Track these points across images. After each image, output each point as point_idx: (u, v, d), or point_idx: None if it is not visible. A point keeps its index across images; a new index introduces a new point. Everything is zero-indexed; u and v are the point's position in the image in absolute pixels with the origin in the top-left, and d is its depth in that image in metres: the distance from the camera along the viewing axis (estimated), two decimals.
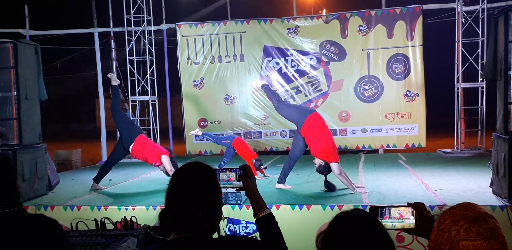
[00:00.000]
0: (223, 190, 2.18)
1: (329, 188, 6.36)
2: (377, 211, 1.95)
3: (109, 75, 7.55)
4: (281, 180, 6.72)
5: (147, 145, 6.93)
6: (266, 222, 2.13)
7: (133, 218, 3.25)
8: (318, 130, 6.32)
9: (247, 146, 7.91)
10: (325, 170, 6.30)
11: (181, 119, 11.43)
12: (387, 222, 1.90)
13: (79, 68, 16.89)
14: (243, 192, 2.20)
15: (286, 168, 6.74)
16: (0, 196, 2.02)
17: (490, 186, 5.88)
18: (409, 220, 1.93)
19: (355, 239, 1.59)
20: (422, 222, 1.90)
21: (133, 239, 2.87)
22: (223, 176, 2.18)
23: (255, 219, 2.15)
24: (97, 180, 7.10)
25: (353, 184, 6.33)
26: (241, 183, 2.16)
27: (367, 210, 1.95)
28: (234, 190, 2.21)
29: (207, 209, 1.80)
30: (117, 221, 3.28)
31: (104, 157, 11.77)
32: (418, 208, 1.93)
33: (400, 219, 1.94)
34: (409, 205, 1.95)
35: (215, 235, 1.98)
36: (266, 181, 7.29)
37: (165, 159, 6.80)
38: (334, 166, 6.17)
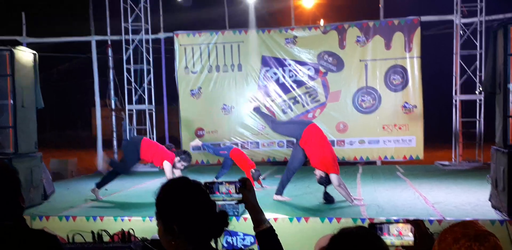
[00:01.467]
0: (221, 202, 2.18)
1: (327, 200, 6.32)
2: (375, 227, 1.91)
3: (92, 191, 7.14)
4: (279, 192, 6.67)
5: (152, 147, 6.93)
6: (267, 236, 2.11)
7: (130, 230, 3.19)
8: (317, 141, 6.29)
9: (245, 156, 7.86)
10: (326, 181, 6.27)
11: (178, 129, 11.39)
12: (386, 239, 1.86)
13: (75, 76, 16.86)
14: (241, 204, 2.19)
15: (284, 179, 6.69)
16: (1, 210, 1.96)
17: (489, 200, 5.85)
18: (408, 237, 1.91)
19: None
20: (421, 240, 1.87)
21: None
22: (222, 188, 2.15)
23: (255, 233, 2.12)
24: (99, 185, 7.03)
25: (351, 196, 6.29)
26: (240, 195, 2.13)
27: (365, 224, 1.92)
28: (233, 202, 2.18)
29: (183, 223, 1.85)
30: (114, 234, 3.22)
31: (100, 166, 11.70)
32: (417, 225, 1.91)
33: (399, 236, 1.91)
34: (408, 221, 1.92)
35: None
36: (264, 192, 7.22)
37: (166, 166, 6.72)
38: (333, 177, 6.14)
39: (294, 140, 10.74)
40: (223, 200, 2.16)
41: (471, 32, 10.10)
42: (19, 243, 1.91)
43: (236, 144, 11.15)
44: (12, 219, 1.98)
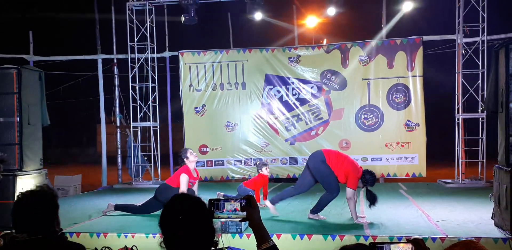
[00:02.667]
0: (224, 219, 2.23)
1: (370, 200, 6.31)
2: (377, 247, 1.94)
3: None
4: (274, 201, 6.72)
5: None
6: None
7: (134, 247, 3.22)
8: (335, 159, 6.36)
9: (253, 181, 7.78)
10: (367, 184, 6.31)
11: (182, 146, 11.43)
12: None
13: (81, 94, 16.99)
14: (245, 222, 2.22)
15: (286, 194, 6.75)
16: (35, 227, 2.41)
17: (492, 218, 5.85)
18: None
19: None
20: None
21: None
22: (228, 206, 2.18)
23: None
24: (117, 208, 7.06)
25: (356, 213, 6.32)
26: (245, 213, 2.16)
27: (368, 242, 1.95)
28: (237, 220, 2.21)
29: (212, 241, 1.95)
30: None
31: (105, 182, 11.75)
32: (417, 244, 1.93)
33: None
34: (408, 241, 1.95)
35: None
36: (266, 208, 7.22)
37: (183, 178, 6.68)
38: (349, 190, 6.19)
39: (298, 158, 10.88)
40: (228, 218, 2.19)
41: (473, 52, 10.18)
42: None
43: (240, 161, 11.22)
44: (42, 233, 2.40)
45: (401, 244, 1.96)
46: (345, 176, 6.28)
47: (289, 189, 6.82)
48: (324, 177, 6.40)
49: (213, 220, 2.10)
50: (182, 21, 10.80)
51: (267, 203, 6.72)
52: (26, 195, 2.50)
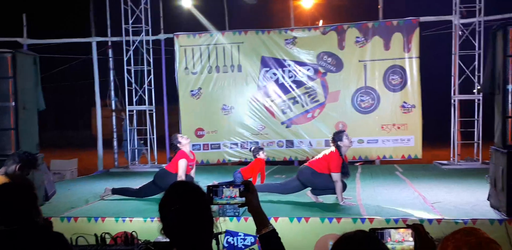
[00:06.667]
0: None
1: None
2: (377, 233, 1.94)
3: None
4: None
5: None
6: (270, 239, 2.13)
7: (133, 233, 3.23)
8: (320, 164, 6.40)
9: (251, 166, 7.75)
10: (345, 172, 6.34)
11: (178, 129, 11.42)
12: (387, 245, 1.89)
13: (76, 77, 16.88)
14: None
15: (270, 188, 6.81)
16: (11, 219, 2.40)
17: (488, 199, 5.90)
18: (409, 242, 1.94)
19: None
20: (422, 244, 1.90)
21: None
22: (226, 192, 2.17)
23: (258, 236, 2.15)
24: (115, 192, 7.07)
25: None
26: (243, 199, 2.16)
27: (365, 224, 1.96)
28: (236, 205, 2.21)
29: (211, 229, 1.94)
30: (117, 236, 3.26)
31: (101, 166, 11.75)
32: (417, 229, 1.94)
33: (401, 241, 1.94)
34: (408, 226, 1.96)
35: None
36: (264, 193, 7.22)
37: (181, 163, 6.68)
38: (334, 174, 6.22)
39: (295, 141, 10.89)
40: (227, 204, 2.20)
41: (470, 33, 10.14)
42: (23, 242, 2.28)
43: (236, 144, 11.22)
44: (18, 224, 2.38)
45: (401, 230, 1.97)
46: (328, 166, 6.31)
47: (275, 185, 6.86)
48: (320, 186, 6.48)
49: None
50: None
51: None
52: None
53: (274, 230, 2.14)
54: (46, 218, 2.53)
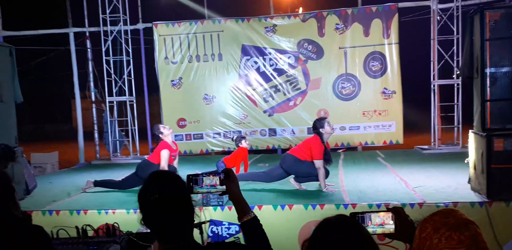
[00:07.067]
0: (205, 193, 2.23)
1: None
2: (357, 217, 1.95)
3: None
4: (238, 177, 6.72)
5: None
6: (251, 226, 2.13)
7: (115, 224, 3.20)
8: (302, 151, 6.41)
9: (234, 155, 7.72)
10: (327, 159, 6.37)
11: (159, 119, 11.35)
12: (368, 228, 1.90)
13: (54, 69, 16.64)
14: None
15: (253, 177, 6.81)
16: None
17: (468, 182, 5.97)
18: (389, 225, 1.95)
19: (339, 246, 1.59)
20: (402, 227, 1.91)
21: (116, 246, 2.84)
22: (206, 180, 2.16)
23: (240, 223, 2.14)
24: (97, 184, 7.01)
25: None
26: (224, 187, 2.15)
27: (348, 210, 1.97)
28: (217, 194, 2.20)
29: (192, 218, 1.90)
30: (99, 228, 3.23)
31: (82, 159, 11.64)
32: (397, 213, 1.95)
33: (381, 224, 1.95)
34: (388, 209, 1.96)
35: (200, 240, 2.02)
36: (248, 182, 7.24)
37: (164, 153, 6.63)
38: (316, 161, 6.24)
39: (277, 130, 10.90)
40: (208, 192, 2.19)
41: (448, 18, 10.19)
42: (1, 235, 2.22)
43: (219, 134, 11.20)
44: None
45: (382, 213, 1.97)
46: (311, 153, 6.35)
47: (259, 173, 6.84)
48: (303, 173, 6.50)
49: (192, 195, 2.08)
50: None
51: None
52: None
53: (255, 217, 2.14)
54: (24, 211, 2.42)
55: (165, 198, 1.87)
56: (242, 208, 2.14)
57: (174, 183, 1.95)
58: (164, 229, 1.87)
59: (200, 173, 2.23)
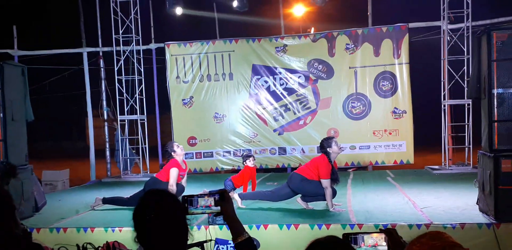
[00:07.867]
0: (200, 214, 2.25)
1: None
2: (350, 238, 1.96)
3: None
4: (244, 196, 6.73)
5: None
6: (246, 247, 2.15)
7: (115, 243, 3.23)
8: (310, 170, 6.41)
9: (241, 174, 7.72)
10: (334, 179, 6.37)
11: (170, 138, 11.41)
12: (360, 249, 1.91)
13: (68, 88, 16.88)
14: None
15: (260, 196, 6.78)
16: None
17: (477, 203, 5.91)
18: (382, 247, 1.95)
19: None
20: (394, 248, 1.92)
21: None
22: (201, 201, 2.19)
23: (234, 244, 2.16)
24: (105, 202, 7.04)
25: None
26: (219, 208, 2.17)
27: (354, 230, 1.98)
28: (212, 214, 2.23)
29: (186, 238, 1.97)
30: (99, 246, 3.26)
31: (93, 177, 11.72)
32: (390, 234, 1.95)
33: (374, 246, 1.96)
34: (381, 230, 1.97)
35: None
36: (255, 201, 7.20)
37: (173, 172, 6.67)
38: (323, 181, 6.23)
39: (287, 148, 10.90)
40: (203, 213, 2.21)
41: (458, 38, 10.19)
42: None
43: (229, 152, 11.23)
44: None
45: (374, 234, 1.98)
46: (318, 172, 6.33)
47: (266, 192, 6.80)
48: (310, 192, 6.46)
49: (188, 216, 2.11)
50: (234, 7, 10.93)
51: (236, 195, 6.66)
52: None
53: (249, 238, 2.16)
54: (25, 229, 2.44)
55: (159, 217, 1.90)
56: (237, 229, 2.16)
57: (169, 204, 1.98)
58: (157, 248, 1.89)
59: (209, 192, 2.26)
